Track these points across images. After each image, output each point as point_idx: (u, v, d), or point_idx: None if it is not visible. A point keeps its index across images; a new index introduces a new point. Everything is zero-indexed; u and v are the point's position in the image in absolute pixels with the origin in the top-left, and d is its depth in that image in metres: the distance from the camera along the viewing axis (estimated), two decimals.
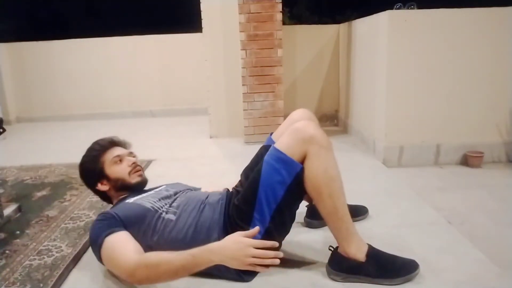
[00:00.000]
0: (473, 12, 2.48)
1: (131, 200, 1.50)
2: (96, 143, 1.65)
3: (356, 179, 2.34)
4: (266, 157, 1.36)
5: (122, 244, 1.31)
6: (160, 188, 1.64)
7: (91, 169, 1.59)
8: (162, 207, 1.47)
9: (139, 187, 1.61)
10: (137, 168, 1.62)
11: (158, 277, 1.26)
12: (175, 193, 1.58)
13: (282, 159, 1.32)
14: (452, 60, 2.52)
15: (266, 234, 1.34)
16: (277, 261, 1.23)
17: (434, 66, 2.53)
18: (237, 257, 1.21)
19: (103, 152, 1.60)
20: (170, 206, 1.48)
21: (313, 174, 1.32)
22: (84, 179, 1.63)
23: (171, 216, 1.43)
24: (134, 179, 1.60)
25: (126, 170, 1.59)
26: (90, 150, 1.63)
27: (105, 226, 1.36)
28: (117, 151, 1.62)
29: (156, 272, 1.23)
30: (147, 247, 1.34)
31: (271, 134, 1.69)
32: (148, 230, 1.40)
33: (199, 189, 1.73)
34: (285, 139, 1.36)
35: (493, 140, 2.60)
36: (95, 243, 1.36)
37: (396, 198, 2.09)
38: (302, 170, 1.32)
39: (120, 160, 1.59)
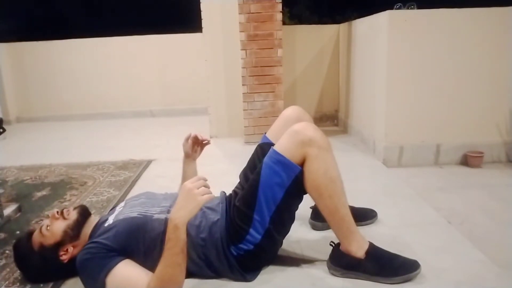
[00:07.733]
0: (473, 12, 2.48)
1: (107, 223, 1.37)
2: (17, 242, 1.44)
3: (356, 179, 2.34)
4: (265, 159, 1.36)
5: (127, 281, 1.23)
6: (123, 204, 1.51)
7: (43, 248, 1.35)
8: (148, 211, 1.38)
9: (86, 214, 1.44)
10: (57, 215, 1.39)
11: (172, 280, 1.20)
12: (149, 198, 1.49)
13: (281, 162, 1.32)
14: (452, 60, 2.52)
15: (266, 235, 1.35)
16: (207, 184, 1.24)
17: (434, 66, 2.53)
18: (189, 200, 1.20)
19: (30, 234, 1.40)
20: (159, 207, 1.41)
21: (313, 176, 1.32)
22: (45, 264, 1.36)
23: None
24: (73, 216, 1.40)
25: (59, 219, 1.38)
26: (19, 248, 1.40)
27: (96, 265, 1.24)
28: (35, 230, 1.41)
29: (165, 280, 1.19)
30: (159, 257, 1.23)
31: (265, 133, 1.68)
32: (148, 238, 1.32)
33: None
34: (284, 141, 1.35)
35: (493, 140, 2.60)
36: (93, 286, 1.26)
37: (396, 198, 2.09)
38: (301, 173, 1.32)
39: (44, 226, 1.37)
